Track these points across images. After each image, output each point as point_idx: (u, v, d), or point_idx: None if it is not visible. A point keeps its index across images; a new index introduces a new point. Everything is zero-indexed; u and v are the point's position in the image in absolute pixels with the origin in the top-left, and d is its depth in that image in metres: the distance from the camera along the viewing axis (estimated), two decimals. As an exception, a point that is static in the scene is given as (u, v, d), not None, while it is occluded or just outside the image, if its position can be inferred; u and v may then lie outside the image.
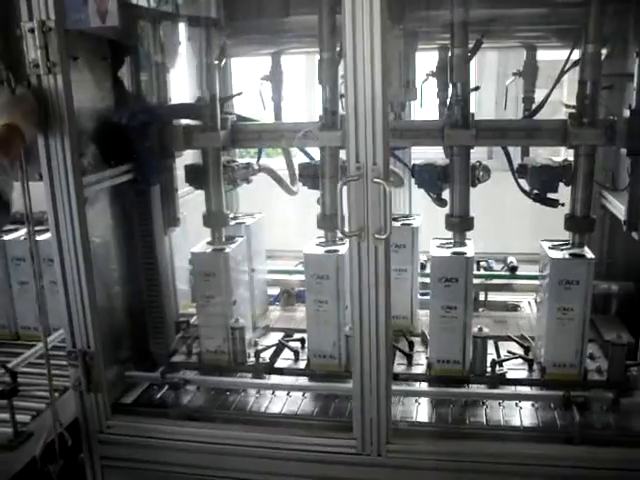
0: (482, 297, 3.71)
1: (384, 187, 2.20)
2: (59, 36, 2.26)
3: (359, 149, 2.23)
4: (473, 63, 2.87)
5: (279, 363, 3.14)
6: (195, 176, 3.15)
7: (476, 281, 3.55)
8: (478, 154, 4.30)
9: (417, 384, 2.98)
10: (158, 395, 2.97)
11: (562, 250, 2.90)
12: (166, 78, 3.16)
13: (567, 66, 2.85)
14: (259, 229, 3.56)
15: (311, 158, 3.18)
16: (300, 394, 2.96)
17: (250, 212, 3.63)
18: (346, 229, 2.30)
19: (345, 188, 2.28)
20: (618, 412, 2.71)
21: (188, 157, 3.31)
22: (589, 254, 2.86)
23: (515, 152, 3.14)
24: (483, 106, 5.02)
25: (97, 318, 2.60)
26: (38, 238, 3.19)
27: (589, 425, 2.65)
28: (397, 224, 3.30)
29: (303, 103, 4.71)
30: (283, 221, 3.68)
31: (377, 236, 2.25)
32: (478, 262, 3.82)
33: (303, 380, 3.05)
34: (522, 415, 2.75)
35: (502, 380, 2.92)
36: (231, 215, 3.44)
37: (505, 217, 4.25)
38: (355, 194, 2.26)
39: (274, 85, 3.40)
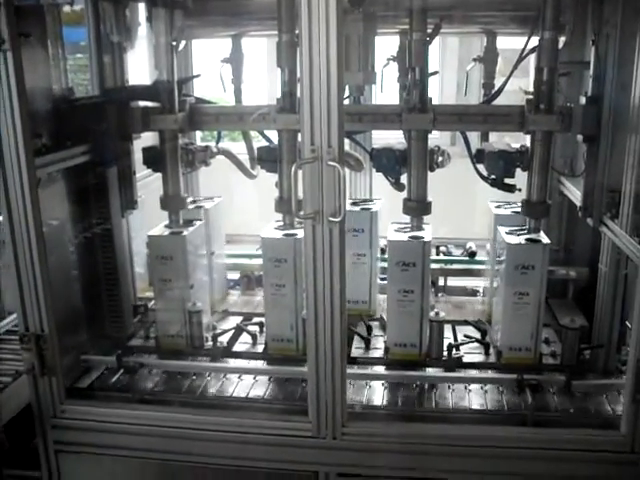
0: (441, 282, 3.73)
1: (338, 170, 2.19)
2: (8, 12, 2.21)
3: (314, 132, 2.22)
4: (436, 49, 2.87)
5: (237, 347, 3.13)
6: (153, 159, 3.11)
7: (435, 266, 3.60)
8: (442, 140, 4.35)
9: (375, 368, 3.00)
10: (114, 379, 2.95)
11: (518, 235, 2.92)
12: (124, 58, 3.11)
13: (524, 53, 2.87)
14: (218, 213, 3.53)
15: (270, 141, 3.17)
16: (257, 377, 2.96)
17: (209, 196, 3.60)
18: (302, 212, 2.30)
19: (301, 171, 2.27)
20: (570, 395, 2.76)
21: (149, 139, 3.27)
22: (545, 239, 2.89)
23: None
24: (445, 92, 5.03)
25: (50, 301, 2.56)
26: (-6, 220, 3.19)
27: (542, 407, 2.69)
28: (357, 208, 3.30)
29: (264, 86, 4.68)
30: (243, 205, 3.65)
31: (331, 219, 2.24)
32: (438, 247, 3.85)
33: (260, 364, 3.04)
34: (476, 398, 2.78)
35: (458, 364, 2.96)
36: (190, 199, 3.43)
37: (466, 203, 4.28)
38: (310, 177, 2.25)
39: (234, 68, 3.36)
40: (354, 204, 3.38)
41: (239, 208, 3.60)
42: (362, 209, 3.32)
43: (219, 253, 3.59)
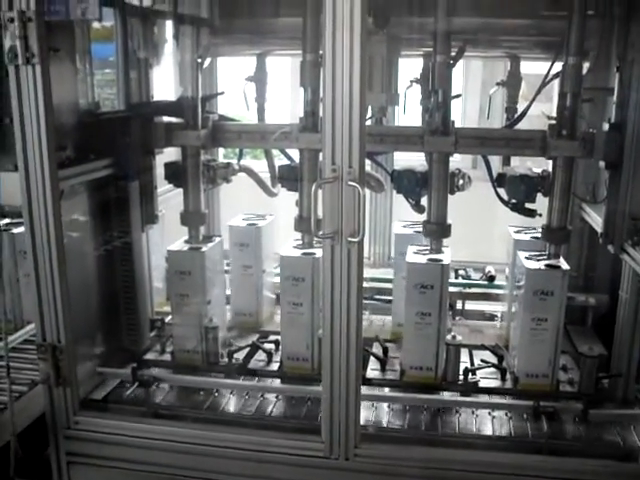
0: (459, 306, 3.70)
1: (359, 190, 2.20)
2: (38, 26, 2.25)
3: (335, 152, 2.23)
4: (459, 72, 2.88)
5: (252, 364, 3.12)
6: (174, 174, 3.14)
7: (454, 289, 3.57)
8: (463, 163, 4.35)
9: (389, 390, 2.98)
10: (128, 392, 2.96)
11: (538, 260, 2.90)
12: (149, 75, 3.14)
13: (548, 78, 2.87)
14: (270, 231, 3.52)
15: (291, 160, 3.18)
16: (272, 396, 2.96)
17: (262, 214, 3.60)
18: (321, 232, 2.30)
19: (321, 191, 2.28)
20: (587, 423, 2.72)
21: (171, 155, 3.30)
22: (564, 265, 2.87)
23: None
24: (468, 115, 5.03)
25: (69, 312, 2.58)
26: (16, 230, 3.23)
27: (557, 435, 2.66)
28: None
29: (287, 105, 4.71)
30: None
31: (350, 239, 2.24)
32: (456, 270, 3.83)
33: (275, 382, 3.04)
34: (493, 424, 2.76)
35: (474, 388, 2.93)
36: (244, 216, 3.50)
37: (486, 227, 4.26)
38: (330, 197, 2.25)
39: (258, 86, 3.39)
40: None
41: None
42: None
43: (270, 272, 3.58)
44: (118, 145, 3.00)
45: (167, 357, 3.18)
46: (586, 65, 3.06)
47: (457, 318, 3.67)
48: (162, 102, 3.19)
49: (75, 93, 2.85)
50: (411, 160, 3.18)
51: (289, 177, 3.08)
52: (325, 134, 2.23)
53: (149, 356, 3.22)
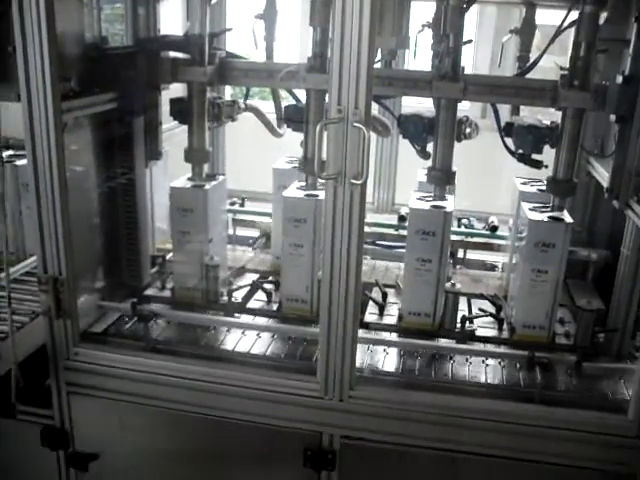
0: (460, 254, 3.71)
1: (364, 132, 2.17)
2: (40, -46, 2.20)
3: (342, 92, 2.19)
4: (472, 17, 2.82)
5: (251, 304, 3.15)
6: (180, 110, 3.10)
7: (456, 238, 3.58)
8: (472, 112, 4.29)
9: (387, 334, 3.00)
10: (127, 326, 2.99)
11: (542, 212, 2.89)
12: (157, 8, 3.08)
13: (563, 26, 2.81)
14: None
15: (298, 100, 3.14)
16: (269, 335, 2.99)
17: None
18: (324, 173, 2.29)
19: (326, 132, 2.25)
20: (580, 376, 2.75)
21: (178, 91, 3.26)
22: (568, 218, 2.86)
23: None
24: (479, 62, 4.95)
25: (70, 245, 2.58)
26: (20, 162, 3.22)
27: (550, 386, 2.69)
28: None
29: (296, 45, 4.64)
30: (268, 164, 3.64)
31: (354, 181, 2.23)
32: (459, 219, 3.82)
33: (273, 322, 3.06)
34: (485, 372, 2.78)
35: (471, 337, 2.95)
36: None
37: (492, 177, 4.23)
38: (334, 138, 2.23)
39: (267, 24, 3.31)
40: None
41: (263, 166, 3.58)
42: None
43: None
44: (123, 79, 2.96)
45: (167, 294, 3.21)
46: (604, 15, 3.01)
47: (458, 267, 3.67)
48: (169, 37, 3.14)
49: (81, 25, 2.80)
50: (420, 106, 3.14)
51: (295, 118, 3.05)
52: (332, 74, 2.19)
53: (149, 292, 3.24)
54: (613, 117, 2.86)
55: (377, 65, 2.95)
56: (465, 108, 3.10)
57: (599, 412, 2.49)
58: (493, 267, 3.74)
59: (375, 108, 3.38)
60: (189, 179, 3.15)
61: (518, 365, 2.83)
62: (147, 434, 2.80)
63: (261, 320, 3.08)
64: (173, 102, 3.12)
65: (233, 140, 3.92)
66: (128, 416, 2.77)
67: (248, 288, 3.23)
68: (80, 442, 2.82)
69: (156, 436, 2.81)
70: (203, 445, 2.78)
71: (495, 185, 4.07)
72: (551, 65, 3.01)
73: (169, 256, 3.36)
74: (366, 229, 3.57)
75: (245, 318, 3.10)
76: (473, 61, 4.93)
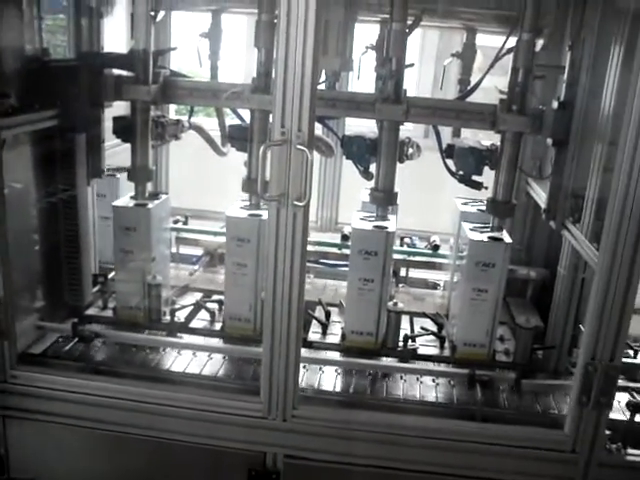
0: (403, 273, 3.75)
1: (307, 155, 2.19)
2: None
3: (285, 115, 2.21)
4: (416, 41, 2.87)
5: (195, 323, 3.13)
6: (123, 128, 3.08)
7: (398, 257, 3.62)
8: (415, 132, 4.36)
9: (330, 353, 3.01)
10: (67, 347, 2.94)
11: (482, 232, 2.95)
12: (100, 23, 3.06)
13: (502, 52, 2.89)
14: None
15: (242, 120, 3.15)
16: (212, 355, 2.97)
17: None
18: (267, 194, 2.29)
19: (269, 153, 2.26)
20: (519, 392, 2.81)
21: (121, 109, 3.23)
22: (507, 238, 2.92)
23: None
24: (422, 85, 5.04)
25: (8, 264, 2.53)
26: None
27: (490, 403, 2.74)
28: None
29: (242, 65, 4.64)
30: (211, 182, 3.64)
31: (296, 203, 2.24)
32: (402, 238, 3.87)
33: (216, 341, 3.05)
34: (428, 390, 2.82)
35: (413, 355, 2.99)
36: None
37: (434, 196, 4.30)
38: (278, 159, 2.24)
39: (212, 43, 3.33)
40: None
41: (207, 185, 3.58)
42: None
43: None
44: (65, 95, 2.92)
45: (109, 313, 3.16)
46: (541, 42, 3.11)
47: (400, 285, 3.72)
48: (113, 54, 3.11)
49: (20, 36, 2.75)
50: (363, 126, 3.18)
51: (239, 137, 3.05)
52: (276, 97, 2.21)
53: (91, 311, 3.19)
54: (550, 141, 2.96)
55: (321, 86, 2.98)
56: (408, 128, 3.16)
57: (537, 428, 2.56)
58: (435, 286, 3.80)
59: (319, 128, 3.41)
60: (132, 197, 3.12)
61: (459, 383, 2.87)
62: (87, 457, 2.74)
63: (204, 340, 3.06)
64: (116, 120, 3.09)
65: (177, 158, 3.89)
66: (67, 439, 2.71)
67: (191, 307, 3.20)
68: (16, 467, 2.75)
69: (96, 459, 2.75)
70: (144, 467, 2.74)
71: (437, 204, 4.14)
72: (493, 85, 3.09)
73: (111, 275, 3.31)
74: (309, 248, 3.61)
75: (188, 338, 3.07)
76: (416, 83, 5.03)
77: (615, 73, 2.50)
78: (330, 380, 2.85)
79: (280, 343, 2.44)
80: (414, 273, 3.79)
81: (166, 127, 3.17)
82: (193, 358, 2.94)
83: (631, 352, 3.08)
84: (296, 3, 2.12)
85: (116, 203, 3.09)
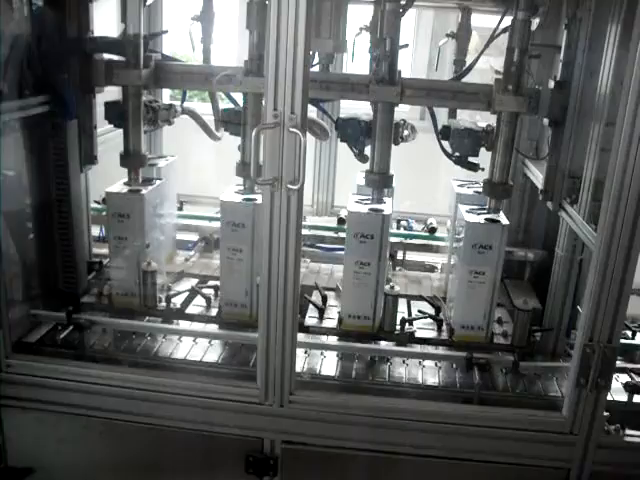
0: (400, 256, 3.73)
1: (300, 137, 2.16)
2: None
3: (277, 97, 2.18)
4: (410, 22, 2.84)
5: (190, 309, 3.11)
6: (115, 114, 3.04)
7: (395, 240, 3.60)
8: (411, 113, 4.33)
9: (327, 337, 3.00)
10: (62, 335, 2.91)
11: (478, 214, 2.93)
12: (89, 8, 3.01)
13: (497, 32, 2.85)
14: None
15: (236, 104, 3.12)
16: (210, 341, 2.96)
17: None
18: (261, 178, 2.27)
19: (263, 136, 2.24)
20: (517, 375, 2.80)
21: (114, 94, 3.20)
22: (504, 220, 2.90)
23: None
24: (417, 66, 5.00)
25: (0, 253, 2.51)
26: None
27: (488, 386, 2.73)
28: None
29: (235, 47, 4.59)
30: (206, 167, 3.61)
31: (290, 186, 2.22)
32: (399, 221, 3.85)
33: (212, 327, 3.03)
34: (426, 373, 2.81)
35: (410, 338, 2.98)
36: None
37: (431, 178, 4.28)
38: (271, 143, 2.22)
39: (204, 26, 3.28)
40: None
41: (202, 169, 3.55)
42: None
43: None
44: (56, 81, 2.89)
45: (105, 300, 3.14)
46: (537, 21, 3.07)
47: (397, 268, 3.71)
48: (103, 38, 3.07)
49: (8, 23, 2.71)
50: (359, 108, 3.15)
51: (233, 121, 3.02)
52: (268, 79, 2.18)
53: (86, 299, 3.17)
54: (546, 121, 2.93)
55: (315, 69, 2.95)
56: (404, 110, 3.13)
57: (535, 410, 2.55)
58: (433, 268, 3.79)
59: (314, 110, 3.37)
60: (125, 184, 3.09)
61: (457, 366, 2.86)
62: (84, 445, 2.73)
63: (200, 326, 3.04)
64: (108, 105, 3.06)
65: (171, 143, 3.86)
66: (64, 427, 2.70)
67: (187, 293, 3.19)
68: (14, 456, 2.74)
69: (93, 447, 2.74)
70: (143, 454, 2.73)
71: (434, 186, 4.12)
72: (489, 65, 3.06)
73: (106, 261, 3.29)
74: (305, 232, 3.60)
75: (184, 324, 3.05)
76: (411, 64, 4.99)
77: (612, 52, 2.46)
78: (327, 364, 2.84)
79: (276, 328, 2.43)
80: (411, 256, 3.78)
81: (158, 112, 3.14)
82: (190, 344, 2.93)
83: (629, 333, 3.07)
84: (287, -17, 2.09)
85: (109, 189, 3.06)
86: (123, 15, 2.90)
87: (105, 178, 3.23)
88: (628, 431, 2.49)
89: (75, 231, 3.14)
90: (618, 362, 2.67)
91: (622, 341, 2.67)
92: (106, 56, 2.99)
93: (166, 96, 4.08)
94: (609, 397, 2.48)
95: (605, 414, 2.44)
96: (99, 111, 3.14)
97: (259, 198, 2.87)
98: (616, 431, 2.47)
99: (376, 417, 2.52)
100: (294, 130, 2.16)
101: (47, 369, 2.64)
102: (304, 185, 2.27)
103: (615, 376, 2.70)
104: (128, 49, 2.91)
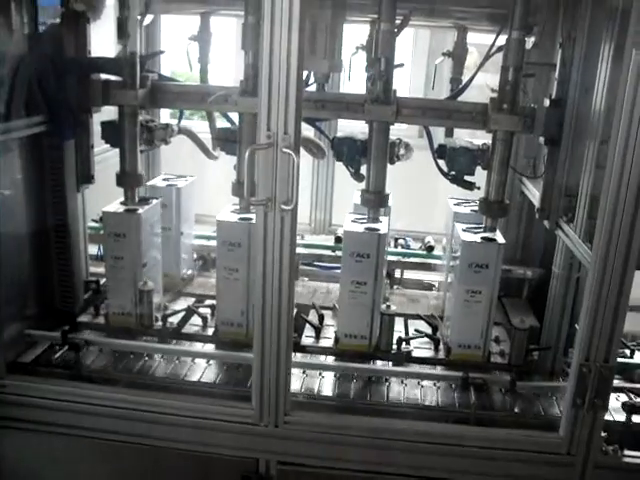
0: (398, 274, 3.72)
1: (293, 158, 2.16)
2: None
3: (271, 117, 2.18)
4: (408, 41, 2.85)
5: (187, 328, 3.10)
6: (111, 134, 3.05)
7: (392, 258, 3.59)
8: (409, 132, 4.33)
9: (324, 357, 2.99)
10: (58, 355, 2.90)
11: (475, 233, 2.92)
12: (86, 29, 3.03)
13: (492, 50, 2.86)
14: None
15: (232, 123, 3.13)
16: (204, 361, 2.94)
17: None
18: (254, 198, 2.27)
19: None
20: (514, 394, 2.78)
21: (111, 114, 3.21)
22: (500, 239, 2.89)
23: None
24: (414, 85, 5.02)
25: (-5, 272, 2.51)
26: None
27: (485, 406, 2.71)
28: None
29: (232, 67, 4.60)
30: (203, 186, 3.62)
31: (284, 207, 2.22)
32: (396, 239, 3.85)
33: (209, 347, 3.02)
34: (423, 393, 2.79)
35: (407, 358, 2.96)
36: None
37: (428, 197, 4.28)
38: (264, 163, 2.22)
39: (201, 46, 3.30)
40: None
41: (199, 189, 3.56)
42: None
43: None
44: (53, 102, 2.90)
45: (101, 320, 3.14)
46: (532, 40, 3.08)
47: (395, 287, 3.69)
48: (100, 58, 3.08)
49: (5, 44, 2.73)
50: (356, 128, 3.15)
51: (228, 140, 3.03)
52: (261, 99, 2.18)
53: (83, 318, 3.16)
54: (542, 139, 2.93)
55: (312, 88, 2.96)
56: (402, 128, 3.12)
57: (532, 430, 2.52)
58: (430, 286, 3.78)
59: (310, 129, 3.38)
60: (122, 203, 3.09)
61: (455, 386, 2.84)
62: (79, 466, 2.71)
63: (197, 346, 3.03)
64: (104, 125, 3.07)
65: (169, 162, 3.87)
66: (59, 448, 2.68)
67: (184, 313, 3.18)
68: (8, 477, 2.72)
69: (89, 468, 2.72)
70: (138, 475, 2.71)
71: (431, 205, 4.11)
72: (487, 83, 3.07)
73: (103, 281, 3.29)
74: (302, 250, 3.60)
75: (181, 344, 3.04)
76: (409, 83, 5.00)
77: (606, 70, 2.47)
78: (323, 385, 2.82)
79: (270, 348, 2.41)
80: (409, 274, 3.76)
81: (154, 132, 3.14)
82: (185, 364, 2.91)
83: (628, 352, 3.05)
84: (280, 4, 2.09)
85: (106, 209, 3.06)
86: (120, 35, 2.92)
87: (106, 197, 3.24)
88: (626, 451, 2.47)
89: (72, 250, 3.14)
90: (616, 381, 2.65)
91: (620, 360, 2.67)
92: (102, 76, 3.00)
93: (166, 115, 4.09)
94: (607, 417, 2.45)
95: (603, 434, 2.42)
96: (96, 130, 3.15)
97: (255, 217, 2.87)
98: (614, 452, 2.45)
99: (373, 438, 2.50)
100: (287, 150, 2.16)
101: (42, 389, 2.63)
102: (298, 204, 2.26)
103: (614, 396, 2.68)
104: (125, 69, 2.93)
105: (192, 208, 3.60)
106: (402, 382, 2.86)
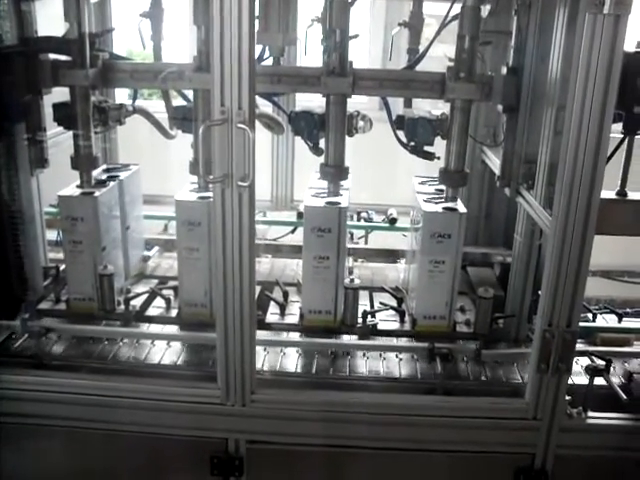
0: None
1: (249, 133, 2.13)
2: None
3: (224, 93, 2.14)
4: (366, 13, 2.80)
5: (150, 311, 3.06)
6: (63, 116, 2.96)
7: (360, 232, 3.58)
8: (370, 104, 4.30)
9: (289, 334, 2.97)
10: (17, 344, 2.85)
11: (436, 204, 2.92)
12: (32, 8, 2.94)
13: (447, 19, 2.83)
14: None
15: (188, 101, 3.07)
16: (171, 343, 2.91)
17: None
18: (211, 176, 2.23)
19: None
20: (480, 363, 2.80)
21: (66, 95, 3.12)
22: (462, 208, 2.89)
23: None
24: (372, 56, 4.97)
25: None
26: None
27: (451, 376, 2.72)
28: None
29: (187, 43, 4.52)
30: (164, 166, 3.56)
31: (241, 183, 2.18)
32: (359, 213, 3.83)
33: (172, 329, 2.98)
34: (388, 366, 2.79)
35: (373, 331, 2.96)
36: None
37: (391, 169, 4.26)
38: (220, 140, 2.18)
39: (154, 23, 3.21)
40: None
41: (160, 169, 3.50)
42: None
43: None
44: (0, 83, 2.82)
45: (62, 306, 3.09)
46: (488, 8, 3.06)
47: (360, 260, 3.69)
48: (48, 38, 2.99)
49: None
50: (314, 101, 3.11)
51: (184, 118, 2.97)
52: (214, 74, 2.14)
53: (44, 305, 3.10)
54: (500, 107, 2.92)
55: (268, 62, 2.91)
56: (363, 102, 3.09)
57: (498, 397, 2.55)
58: (395, 260, 3.77)
59: (269, 105, 3.33)
60: (78, 186, 3.02)
61: (421, 356, 2.85)
62: (44, 455, 2.68)
63: (160, 328, 2.99)
64: (56, 107, 2.98)
65: (127, 142, 3.80)
66: (23, 438, 2.64)
67: (146, 295, 3.14)
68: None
69: (54, 456, 2.69)
70: (105, 461, 2.70)
71: (394, 177, 4.10)
72: (446, 53, 3.04)
73: (63, 267, 3.22)
74: (265, 227, 3.57)
75: (144, 327, 3.00)
76: (368, 55, 4.96)
77: (561, 36, 2.45)
78: (289, 361, 2.81)
79: (234, 327, 2.40)
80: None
81: (108, 112, 3.06)
82: (150, 347, 2.88)
83: (590, 315, 3.09)
84: (229, -24, 2.05)
85: (61, 193, 2.99)
86: (67, 13, 2.83)
87: (65, 181, 3.16)
88: (590, 413, 2.51)
89: (28, 236, 3.06)
90: (579, 345, 2.68)
91: (582, 324, 2.69)
92: (51, 56, 2.92)
93: (124, 95, 3.99)
94: (570, 381, 2.49)
95: (567, 398, 2.46)
96: (49, 112, 3.07)
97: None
98: (578, 414, 2.49)
99: (338, 412, 2.51)
100: (242, 126, 2.13)
101: (2, 380, 2.58)
102: (259, 181, 2.24)
103: (576, 359, 2.71)
104: (73, 48, 2.84)
105: (139, 198, 3.45)
106: (366, 355, 2.85)
